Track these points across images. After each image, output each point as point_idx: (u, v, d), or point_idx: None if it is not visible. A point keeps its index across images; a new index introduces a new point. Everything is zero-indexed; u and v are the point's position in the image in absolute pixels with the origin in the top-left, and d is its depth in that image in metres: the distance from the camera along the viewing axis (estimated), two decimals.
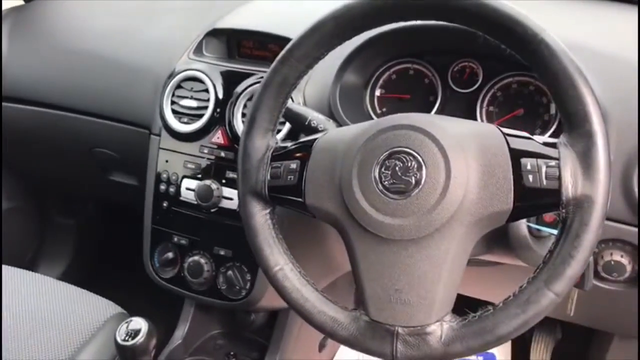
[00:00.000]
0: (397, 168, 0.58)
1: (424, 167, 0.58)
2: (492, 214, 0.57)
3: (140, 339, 0.78)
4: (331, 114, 0.86)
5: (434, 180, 0.57)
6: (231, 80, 0.96)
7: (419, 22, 0.81)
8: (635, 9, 1.00)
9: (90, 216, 1.61)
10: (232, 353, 1.09)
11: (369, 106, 0.92)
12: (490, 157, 0.58)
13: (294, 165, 0.64)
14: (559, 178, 0.55)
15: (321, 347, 1.16)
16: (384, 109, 0.92)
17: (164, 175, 0.99)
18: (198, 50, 1.02)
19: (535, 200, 0.56)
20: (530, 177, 0.56)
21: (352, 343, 0.62)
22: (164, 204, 0.99)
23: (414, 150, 0.58)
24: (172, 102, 0.99)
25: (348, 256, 0.62)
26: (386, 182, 0.58)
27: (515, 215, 0.57)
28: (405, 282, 0.58)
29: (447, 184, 0.57)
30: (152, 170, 1.00)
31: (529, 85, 0.85)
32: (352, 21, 0.63)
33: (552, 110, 0.83)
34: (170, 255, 0.97)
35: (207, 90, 0.96)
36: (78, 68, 1.16)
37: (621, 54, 0.85)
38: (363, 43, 0.84)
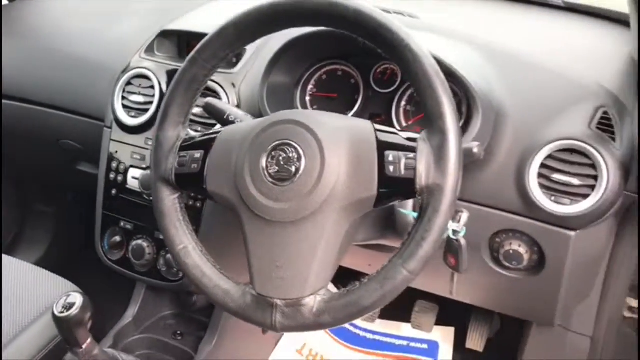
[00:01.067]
0: (280, 158, 0.66)
1: (303, 158, 0.65)
2: (359, 199, 0.64)
3: (74, 311, 0.85)
4: (260, 112, 0.93)
5: (311, 169, 0.64)
6: None
7: None
8: (550, 12, 1.06)
9: (68, 204, 1.70)
10: (179, 332, 1.17)
11: (299, 104, 0.99)
12: (360, 149, 0.65)
13: (198, 154, 0.72)
14: (415, 169, 0.62)
15: (265, 330, 1.23)
16: (315, 107, 0.99)
17: (114, 165, 1.07)
18: (149, 50, 1.10)
19: (395, 188, 0.63)
20: (392, 168, 0.63)
21: (239, 314, 0.69)
22: (113, 192, 1.07)
23: (295, 143, 0.65)
24: (123, 97, 1.07)
25: (243, 237, 0.70)
26: (272, 171, 0.66)
27: (379, 201, 0.64)
28: (285, 259, 0.65)
29: (321, 173, 0.64)
30: (104, 160, 1.09)
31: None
32: (250, 26, 0.70)
33: (462, 110, 0.89)
34: (117, 238, 1.06)
35: (153, 87, 1.04)
36: (46, 65, 1.25)
37: (525, 56, 0.91)
38: (284, 46, 0.92)
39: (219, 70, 1.01)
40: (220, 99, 0.98)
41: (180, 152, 0.73)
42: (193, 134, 0.75)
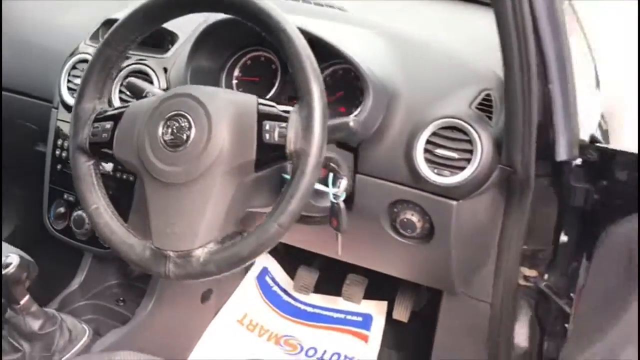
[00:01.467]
0: (174, 127, 0.75)
1: (193, 127, 0.74)
2: (241, 163, 0.74)
3: (11, 269, 0.95)
4: None
5: (200, 137, 0.74)
6: None
7: None
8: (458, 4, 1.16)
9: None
10: (122, 299, 1.26)
11: (224, 87, 1.08)
12: (243, 120, 0.74)
13: (109, 125, 0.81)
14: (285, 136, 0.71)
15: (204, 299, 1.33)
16: (241, 89, 1.09)
17: (59, 142, 1.17)
18: (94, 37, 1.20)
19: (270, 153, 0.73)
20: (267, 135, 0.72)
21: (141, 265, 0.78)
22: (59, 167, 1.17)
23: (187, 113, 0.75)
24: (69, 81, 1.17)
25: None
26: (167, 138, 0.75)
27: (258, 166, 0.74)
28: (177, 216, 0.75)
29: (208, 140, 0.73)
30: (51, 138, 1.18)
31: (350, 72, 1.00)
32: (155, 12, 0.79)
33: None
34: (61, 210, 1.16)
35: None
36: (6, 51, 1.34)
37: (424, 43, 1.01)
38: (203, 32, 1.01)
39: (153, 55, 1.11)
40: (152, 82, 1.07)
41: (94, 123, 0.82)
42: (107, 107, 0.84)
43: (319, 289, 1.46)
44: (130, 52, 1.11)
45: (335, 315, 1.46)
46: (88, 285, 1.26)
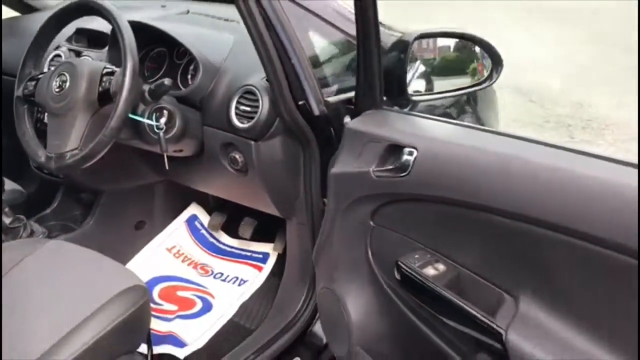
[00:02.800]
0: (60, 80, 1.28)
1: (68, 80, 1.26)
2: (91, 101, 1.25)
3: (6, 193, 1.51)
4: None
5: (71, 86, 1.26)
6: None
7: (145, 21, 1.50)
8: None
9: None
10: (80, 221, 1.81)
11: (145, 73, 1.60)
12: (93, 76, 1.25)
13: (34, 83, 1.35)
14: (111, 85, 1.22)
15: (137, 227, 1.84)
16: (147, 74, 1.60)
17: None
18: (69, 40, 1.77)
19: (105, 95, 1.23)
20: (104, 85, 1.23)
21: (40, 163, 1.30)
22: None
23: (66, 72, 1.27)
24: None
25: None
26: (56, 86, 1.28)
27: (101, 104, 1.25)
28: (59, 134, 1.27)
29: (74, 87, 1.25)
30: None
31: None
32: (58, 20, 1.34)
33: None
34: None
35: None
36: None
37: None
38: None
39: (93, 50, 1.65)
40: None
41: (27, 82, 1.37)
42: (37, 73, 1.39)
43: (232, 231, 1.93)
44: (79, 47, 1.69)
45: (244, 253, 1.92)
46: (59, 210, 1.82)
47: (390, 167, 1.04)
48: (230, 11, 1.61)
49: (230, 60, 1.44)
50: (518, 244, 0.84)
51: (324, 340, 1.45)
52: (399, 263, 1.02)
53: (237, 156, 1.42)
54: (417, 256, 1.02)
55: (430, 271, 0.98)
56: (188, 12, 1.75)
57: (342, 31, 1.34)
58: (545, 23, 5.85)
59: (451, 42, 1.34)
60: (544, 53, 5.03)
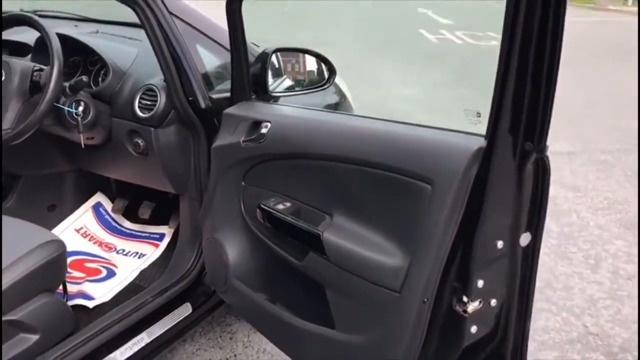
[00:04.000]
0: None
1: (3, 75, 1.60)
2: (23, 91, 1.59)
3: None
4: None
5: (6, 78, 1.60)
6: None
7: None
8: None
9: None
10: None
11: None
12: (26, 72, 1.60)
13: None
14: (41, 78, 1.57)
15: (49, 209, 2.14)
16: (68, 77, 1.95)
17: None
18: None
19: (36, 87, 1.59)
20: (35, 78, 1.58)
21: None
22: None
23: (3, 70, 1.61)
24: None
25: None
26: None
27: (32, 94, 1.60)
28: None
29: (9, 80, 1.59)
30: None
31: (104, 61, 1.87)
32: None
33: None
34: None
35: None
36: None
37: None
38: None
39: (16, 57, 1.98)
40: None
41: None
42: None
43: (132, 215, 2.28)
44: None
45: (143, 234, 2.27)
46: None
47: (253, 137, 1.48)
48: (133, 32, 2.02)
49: (134, 66, 1.84)
50: (332, 178, 1.31)
51: (212, 289, 1.84)
52: (261, 205, 1.46)
53: (139, 141, 1.80)
54: (272, 200, 1.46)
55: (280, 207, 1.42)
56: (97, 31, 2.13)
57: (220, 45, 1.78)
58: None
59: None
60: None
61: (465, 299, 1.08)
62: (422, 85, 6.45)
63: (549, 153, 0.99)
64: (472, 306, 1.08)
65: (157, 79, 1.76)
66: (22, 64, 1.63)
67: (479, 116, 1.05)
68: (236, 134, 1.54)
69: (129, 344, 1.63)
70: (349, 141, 1.25)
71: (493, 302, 1.11)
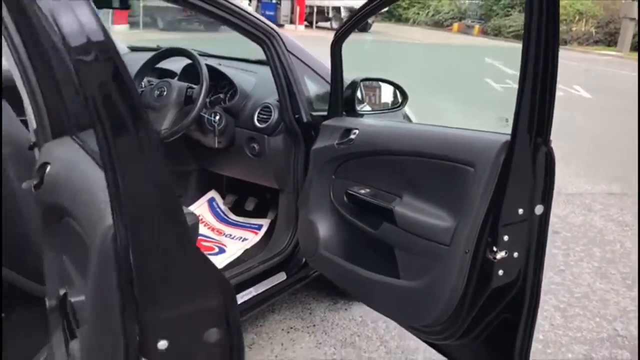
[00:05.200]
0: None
1: (165, 90, 2.23)
2: (181, 101, 2.21)
3: None
4: None
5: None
6: None
7: None
8: None
9: None
10: None
11: None
12: (182, 87, 2.22)
13: None
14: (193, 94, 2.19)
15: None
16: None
17: None
18: None
19: (190, 100, 2.20)
20: (189, 93, 2.20)
21: None
22: None
23: (164, 85, 2.24)
24: None
25: None
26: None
27: (187, 104, 2.21)
28: None
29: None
30: None
31: (233, 85, 2.48)
32: (159, 56, 2.32)
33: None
34: None
35: None
36: None
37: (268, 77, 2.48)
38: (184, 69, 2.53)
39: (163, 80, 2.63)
40: None
41: None
42: None
43: (239, 209, 2.86)
44: None
45: (246, 224, 2.84)
46: None
47: (344, 140, 2.02)
48: (247, 65, 2.64)
49: (254, 89, 2.44)
50: (400, 169, 1.81)
51: (304, 260, 2.35)
52: (347, 191, 1.98)
53: (255, 146, 2.38)
54: (356, 187, 1.98)
55: (362, 191, 1.94)
56: (220, 64, 2.75)
57: (320, 75, 2.34)
58: None
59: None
60: None
61: (494, 249, 1.54)
62: (476, 119, 6.87)
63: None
64: (500, 255, 1.54)
65: (271, 99, 2.34)
66: (178, 84, 2.25)
67: (507, 121, 1.53)
68: (331, 139, 2.09)
69: (241, 294, 2.16)
70: (413, 140, 1.77)
71: (515, 254, 1.57)
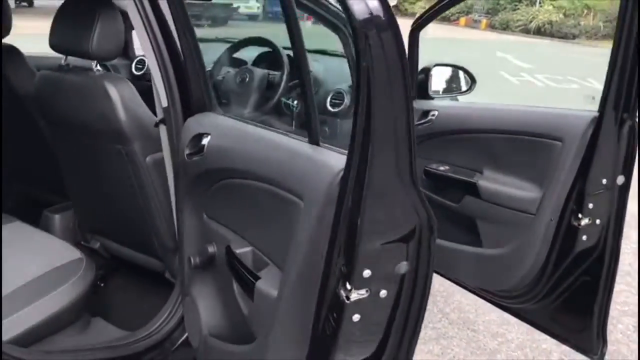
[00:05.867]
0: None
1: (247, 76, 2.38)
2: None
3: None
4: None
5: None
6: None
7: None
8: None
9: None
10: None
11: None
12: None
13: None
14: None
15: None
16: None
17: None
18: None
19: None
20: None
21: None
22: None
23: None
24: None
25: None
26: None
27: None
28: None
29: None
30: None
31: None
32: (241, 43, 2.47)
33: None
34: None
35: None
36: None
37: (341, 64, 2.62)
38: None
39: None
40: None
41: None
42: None
43: None
44: None
45: None
46: None
47: (424, 120, 2.16)
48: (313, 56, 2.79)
49: (324, 77, 2.58)
50: (482, 146, 1.96)
51: None
52: (426, 168, 2.13)
53: (325, 128, 2.52)
54: (439, 165, 2.12)
55: (443, 169, 2.08)
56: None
57: None
58: None
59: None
60: None
61: (580, 216, 1.69)
62: None
63: None
64: (584, 222, 1.69)
65: (344, 85, 2.49)
66: (260, 71, 2.40)
67: (594, 99, 1.68)
68: None
69: None
70: (495, 119, 1.92)
71: (598, 221, 1.72)
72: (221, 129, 1.43)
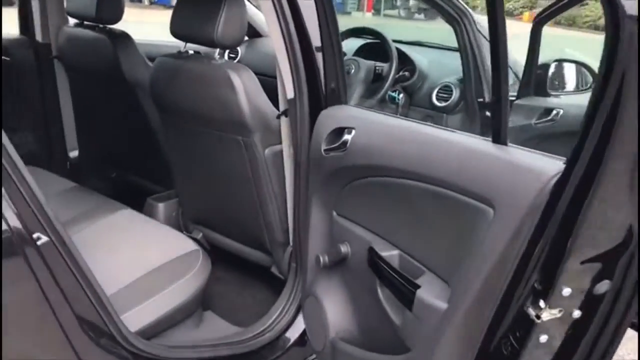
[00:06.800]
0: None
1: (353, 68, 2.29)
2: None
3: None
4: None
5: None
6: None
7: None
8: None
9: None
10: None
11: None
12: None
13: None
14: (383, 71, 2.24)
15: None
16: None
17: None
18: None
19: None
20: (378, 71, 2.25)
21: None
22: None
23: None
24: None
25: None
26: None
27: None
28: None
29: None
30: None
31: (414, 65, 2.53)
32: (348, 33, 2.38)
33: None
34: None
35: None
36: None
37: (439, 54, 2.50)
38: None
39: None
40: None
41: None
42: None
43: None
44: None
45: None
46: None
47: (546, 119, 2.03)
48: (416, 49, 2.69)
49: (428, 70, 2.47)
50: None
51: None
52: None
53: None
54: None
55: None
56: None
57: None
58: None
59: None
60: None
61: None
62: None
63: None
64: None
65: (452, 78, 2.37)
66: (367, 63, 2.31)
67: None
68: (527, 118, 2.10)
69: None
70: None
71: None
72: (368, 124, 1.34)
